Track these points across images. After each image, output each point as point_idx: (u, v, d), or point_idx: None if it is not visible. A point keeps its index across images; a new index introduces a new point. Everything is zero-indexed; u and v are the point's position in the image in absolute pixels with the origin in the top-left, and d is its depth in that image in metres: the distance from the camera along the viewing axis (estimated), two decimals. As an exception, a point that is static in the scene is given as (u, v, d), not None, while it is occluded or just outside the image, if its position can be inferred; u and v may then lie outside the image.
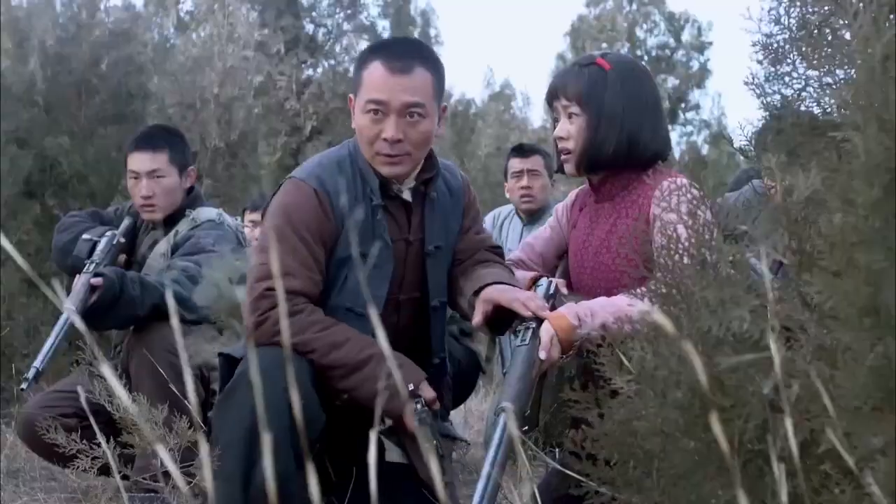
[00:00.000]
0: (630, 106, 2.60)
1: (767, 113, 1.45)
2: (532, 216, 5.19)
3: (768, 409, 1.37)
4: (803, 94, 1.43)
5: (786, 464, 1.08)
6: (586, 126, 2.56)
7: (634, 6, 23.73)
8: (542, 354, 2.26)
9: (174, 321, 0.98)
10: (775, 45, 1.45)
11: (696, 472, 1.38)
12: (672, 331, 0.70)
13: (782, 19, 1.44)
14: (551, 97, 2.65)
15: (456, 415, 4.47)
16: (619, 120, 2.56)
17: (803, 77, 1.44)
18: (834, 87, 1.38)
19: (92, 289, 3.37)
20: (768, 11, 1.46)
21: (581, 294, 2.51)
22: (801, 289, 1.23)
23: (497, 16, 51.96)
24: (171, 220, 3.88)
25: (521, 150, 5.34)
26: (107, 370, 0.72)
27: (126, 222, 3.91)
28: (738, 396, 1.33)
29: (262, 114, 12.23)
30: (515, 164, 5.21)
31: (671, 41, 23.82)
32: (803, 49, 1.41)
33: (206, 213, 3.91)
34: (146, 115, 8.11)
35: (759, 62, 1.44)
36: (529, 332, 2.31)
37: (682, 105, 23.84)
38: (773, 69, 1.45)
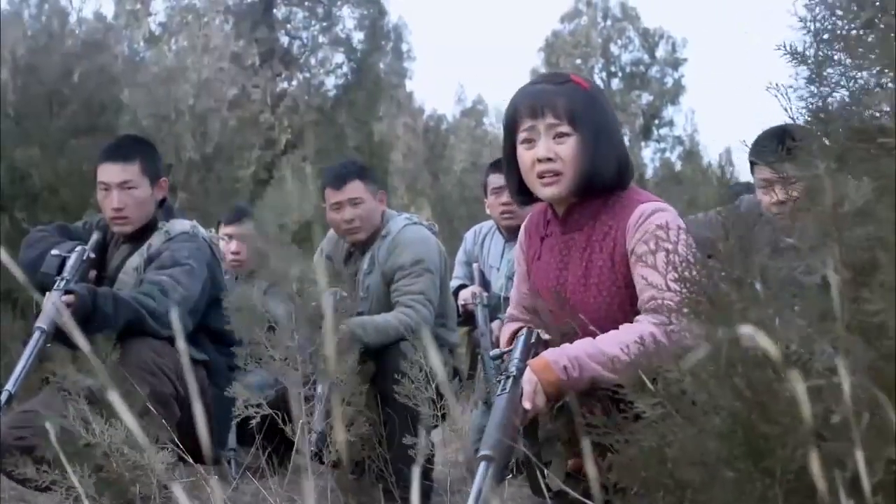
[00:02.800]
0: (616, 127, 2.51)
1: (810, 117, 1.35)
2: (513, 232, 5.07)
3: (813, 437, 1.27)
4: (848, 97, 1.34)
5: (854, 499, 0.98)
6: (582, 146, 2.37)
7: (609, 22, 23.83)
8: (527, 405, 2.11)
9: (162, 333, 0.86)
10: (816, 45, 1.35)
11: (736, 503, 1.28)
12: (777, 356, 0.60)
13: (822, 19, 1.34)
14: (530, 115, 2.42)
15: (435, 433, 4.36)
16: (614, 141, 2.44)
17: (847, 79, 1.34)
18: (884, 89, 1.28)
19: (64, 306, 3.24)
20: (806, 8, 1.36)
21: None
22: (862, 306, 1.12)
23: (469, 31, 52.17)
24: (142, 234, 3.74)
25: (501, 166, 5.23)
26: (114, 396, 0.61)
27: (95, 237, 3.76)
28: (784, 423, 1.23)
29: (237, 126, 12.08)
30: (495, 179, 5.07)
31: (645, 57, 23.93)
32: (846, 51, 1.32)
33: (180, 225, 3.78)
34: (119, 126, 7.96)
35: (804, 63, 1.34)
36: (510, 382, 2.15)
37: (656, 121, 23.95)
38: (815, 72, 1.35)
